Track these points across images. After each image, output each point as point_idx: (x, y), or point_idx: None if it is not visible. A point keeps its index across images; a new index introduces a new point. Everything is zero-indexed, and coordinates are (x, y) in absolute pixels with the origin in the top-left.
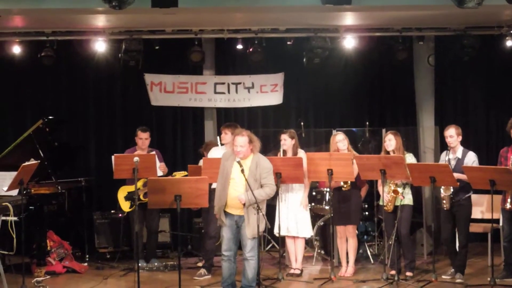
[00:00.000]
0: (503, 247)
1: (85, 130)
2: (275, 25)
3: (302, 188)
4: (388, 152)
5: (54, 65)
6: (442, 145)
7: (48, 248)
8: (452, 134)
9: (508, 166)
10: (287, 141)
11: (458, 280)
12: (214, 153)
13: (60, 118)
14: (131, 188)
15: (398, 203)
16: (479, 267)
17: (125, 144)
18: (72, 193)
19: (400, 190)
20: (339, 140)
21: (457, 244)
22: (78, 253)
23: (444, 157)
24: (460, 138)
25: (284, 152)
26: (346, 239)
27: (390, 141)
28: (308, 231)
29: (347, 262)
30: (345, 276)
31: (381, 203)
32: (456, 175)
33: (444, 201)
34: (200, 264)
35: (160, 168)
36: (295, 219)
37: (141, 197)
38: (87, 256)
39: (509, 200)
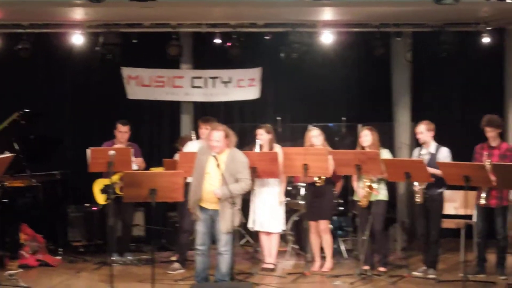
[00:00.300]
0: (476, 243)
1: (62, 123)
2: (253, 20)
3: (277, 182)
4: (363, 148)
5: (31, 58)
6: (418, 141)
7: (21, 241)
8: (422, 130)
9: (482, 162)
10: (263, 136)
11: (430, 276)
12: (190, 147)
13: (36, 111)
14: (107, 181)
15: (373, 198)
16: (452, 263)
17: (101, 137)
18: (47, 186)
19: (375, 185)
20: (314, 135)
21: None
22: (52, 246)
23: (416, 153)
24: (431, 133)
25: (261, 147)
26: (320, 234)
27: (366, 136)
28: (281, 226)
29: (321, 257)
30: (322, 271)
31: (355, 198)
32: (431, 170)
33: (418, 195)
34: (173, 258)
35: (136, 163)
36: (270, 214)
37: (117, 190)
38: (61, 249)
39: (482, 196)
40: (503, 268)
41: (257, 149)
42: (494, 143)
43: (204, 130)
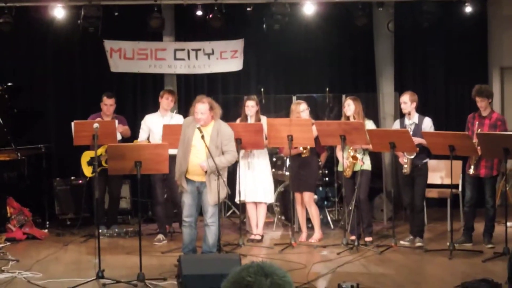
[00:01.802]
0: (463, 212)
1: (45, 96)
2: None
3: (265, 153)
4: (348, 118)
5: (13, 32)
6: (402, 111)
7: (8, 215)
8: (406, 101)
9: (474, 132)
10: (254, 108)
11: (417, 244)
12: (149, 120)
13: (19, 84)
14: (93, 153)
15: (357, 168)
16: (438, 232)
17: (85, 111)
18: (32, 159)
19: (359, 156)
20: (303, 109)
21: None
22: (39, 220)
23: (397, 125)
24: (414, 104)
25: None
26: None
27: (349, 106)
28: (271, 197)
29: (307, 227)
30: (309, 241)
31: (340, 168)
32: (416, 139)
33: (406, 166)
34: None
35: (119, 130)
36: (258, 185)
37: (103, 163)
38: (48, 222)
39: (472, 166)
40: (491, 237)
41: (249, 120)
42: (485, 112)
43: (165, 100)
